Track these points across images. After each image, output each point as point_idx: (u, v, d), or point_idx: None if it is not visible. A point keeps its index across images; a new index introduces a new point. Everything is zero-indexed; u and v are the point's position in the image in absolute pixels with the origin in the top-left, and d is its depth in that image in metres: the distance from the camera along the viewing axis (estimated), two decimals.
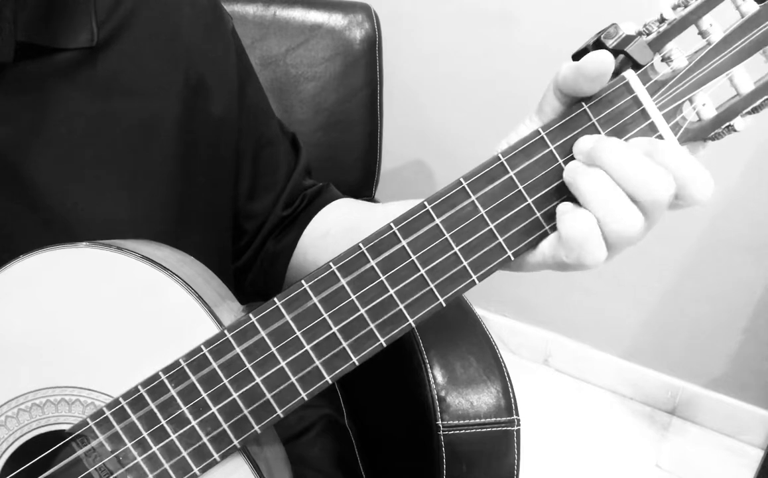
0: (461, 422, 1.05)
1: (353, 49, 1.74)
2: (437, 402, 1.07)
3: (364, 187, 1.83)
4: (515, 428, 1.06)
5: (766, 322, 2.30)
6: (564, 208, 0.62)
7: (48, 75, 0.83)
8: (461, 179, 0.64)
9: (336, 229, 1.01)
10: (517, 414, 1.07)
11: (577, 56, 0.64)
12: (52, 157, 0.83)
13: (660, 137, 0.63)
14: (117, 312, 0.71)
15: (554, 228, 0.65)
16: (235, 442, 0.71)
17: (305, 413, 1.37)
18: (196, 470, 0.71)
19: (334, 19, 1.74)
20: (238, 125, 1.00)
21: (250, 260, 1.09)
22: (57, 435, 0.73)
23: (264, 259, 1.09)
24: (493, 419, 1.06)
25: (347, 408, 1.48)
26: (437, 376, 1.09)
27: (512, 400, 1.08)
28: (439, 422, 1.05)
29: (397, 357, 1.21)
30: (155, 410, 0.70)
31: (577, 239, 0.60)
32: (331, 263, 0.66)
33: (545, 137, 0.63)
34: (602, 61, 0.59)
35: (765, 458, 2.13)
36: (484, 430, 1.05)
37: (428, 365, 1.11)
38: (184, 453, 0.71)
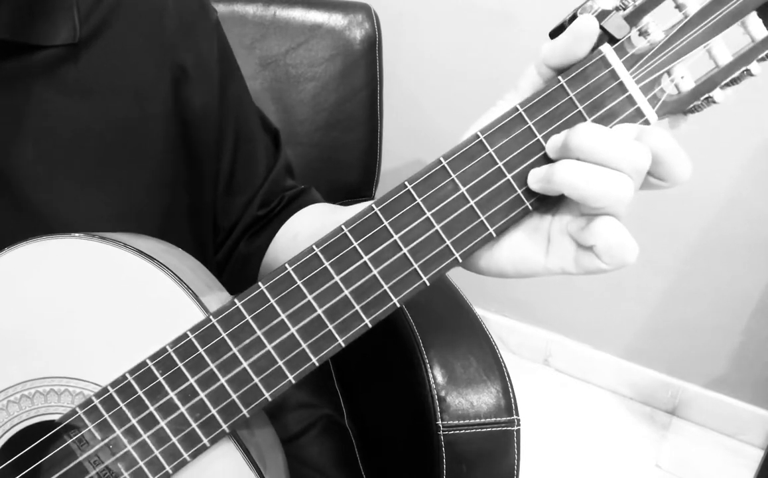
0: (461, 422, 1.05)
1: (353, 49, 1.75)
2: (437, 402, 1.06)
3: (364, 187, 1.84)
4: (515, 428, 1.06)
5: (766, 322, 2.30)
6: (585, 223, 0.62)
7: (30, 73, 0.83)
8: (441, 158, 0.65)
9: (305, 232, 1.01)
10: (517, 414, 1.07)
11: (554, 33, 0.64)
12: (36, 156, 0.84)
13: (638, 110, 0.63)
14: (104, 302, 0.71)
15: (535, 204, 0.65)
16: (224, 427, 0.71)
17: (305, 413, 1.37)
18: (186, 455, 0.72)
19: (334, 19, 1.75)
20: (218, 119, 1.00)
21: (224, 258, 1.09)
22: (48, 426, 0.73)
23: (237, 259, 1.08)
24: (493, 419, 1.06)
25: (347, 408, 1.48)
26: (437, 376, 1.09)
27: (512, 400, 1.08)
28: (439, 422, 1.05)
29: (397, 357, 1.21)
30: (143, 397, 0.70)
31: (618, 245, 0.60)
32: (314, 246, 0.66)
33: (523, 114, 0.64)
34: (589, 24, 0.61)
35: (765, 458, 2.12)
36: (484, 430, 1.05)
37: (428, 365, 1.10)
38: (174, 440, 0.71)
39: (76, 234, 0.70)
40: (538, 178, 0.63)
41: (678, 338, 2.49)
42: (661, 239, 2.32)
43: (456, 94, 2.49)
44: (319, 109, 1.74)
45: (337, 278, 0.67)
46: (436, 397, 1.07)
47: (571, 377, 2.76)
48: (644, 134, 0.60)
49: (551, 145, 0.63)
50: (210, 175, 1.01)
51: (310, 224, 1.01)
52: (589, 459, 2.42)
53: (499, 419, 1.06)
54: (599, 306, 2.60)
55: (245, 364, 0.69)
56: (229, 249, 1.08)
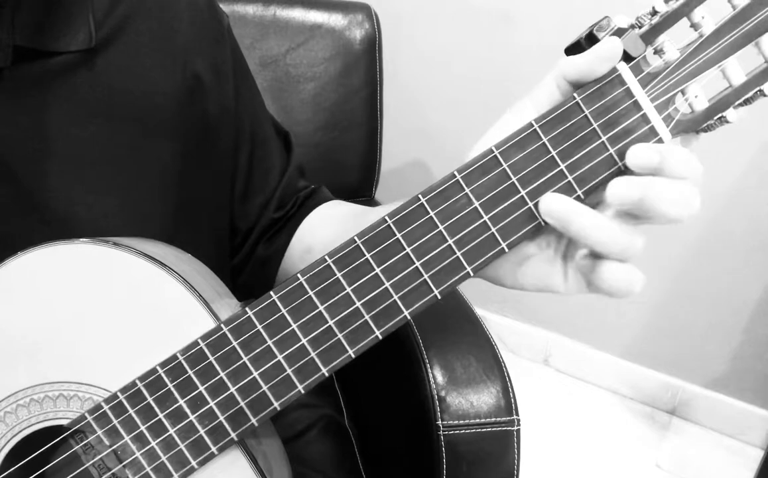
0: (461, 422, 1.05)
1: (353, 49, 1.75)
2: (437, 402, 1.07)
3: (364, 187, 1.84)
4: (515, 428, 1.07)
5: (766, 322, 2.30)
6: (595, 265, 0.64)
7: (46, 77, 0.83)
8: (455, 172, 0.65)
9: (318, 246, 1.02)
10: (517, 414, 1.07)
11: (569, 50, 0.64)
12: (51, 159, 0.83)
13: (652, 129, 0.63)
14: (115, 308, 0.71)
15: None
16: (233, 435, 0.71)
17: (305, 413, 1.37)
18: (194, 463, 0.72)
19: (334, 19, 1.75)
20: (234, 124, 1.00)
21: (242, 261, 1.09)
22: (56, 430, 0.73)
23: (256, 262, 1.08)
24: (493, 419, 1.06)
25: (347, 408, 1.48)
26: (437, 376, 1.09)
27: (512, 400, 1.08)
28: (439, 422, 1.05)
29: (397, 357, 1.21)
30: (153, 404, 0.70)
31: (624, 283, 0.63)
32: (326, 257, 0.66)
33: (538, 130, 0.64)
34: (615, 45, 0.62)
35: (765, 458, 2.12)
36: (484, 430, 1.06)
37: (428, 365, 1.11)
38: (182, 446, 0.71)
39: (87, 239, 0.71)
40: (554, 216, 0.64)
41: (678, 338, 2.49)
42: (662, 239, 2.32)
43: (456, 94, 2.49)
44: (319, 110, 1.74)
45: (348, 289, 0.67)
46: (436, 397, 1.07)
47: (571, 377, 2.76)
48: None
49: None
50: (226, 180, 1.02)
51: (324, 236, 1.02)
52: (589, 459, 2.42)
53: (499, 419, 1.06)
54: (599, 306, 2.61)
55: (255, 373, 0.69)
56: (247, 252, 1.08)
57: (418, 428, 1.12)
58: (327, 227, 1.04)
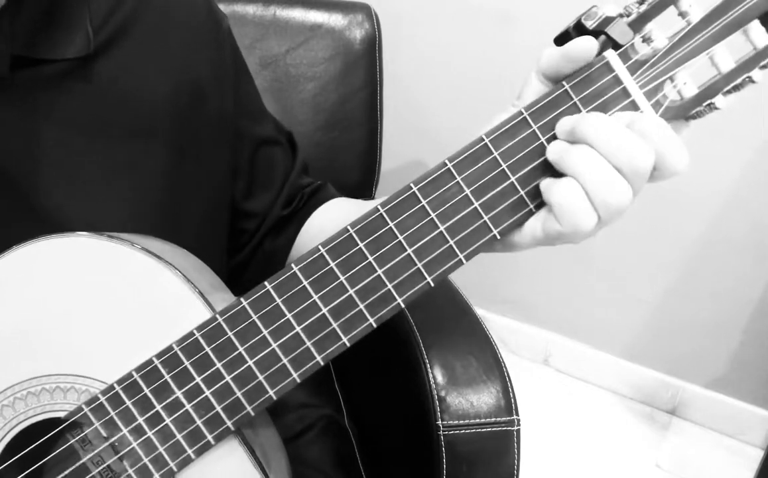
0: (461, 422, 1.05)
1: (353, 49, 1.75)
2: (437, 402, 1.06)
3: (364, 187, 1.83)
4: (515, 428, 1.06)
5: (766, 322, 2.30)
6: (549, 182, 0.64)
7: (43, 83, 0.83)
8: (446, 161, 0.66)
9: (329, 229, 1.02)
10: (517, 414, 1.07)
11: (559, 39, 0.65)
12: (48, 163, 0.84)
13: None
14: (111, 300, 0.71)
15: (539, 206, 0.66)
16: (229, 424, 0.71)
17: (305, 413, 1.37)
18: (190, 452, 0.72)
19: (334, 19, 1.74)
20: (234, 126, 1.01)
21: (248, 256, 1.10)
22: (54, 423, 0.74)
23: (261, 256, 1.09)
24: (493, 419, 1.06)
25: (347, 408, 1.48)
26: (437, 376, 1.09)
27: (512, 400, 1.08)
28: (439, 422, 1.05)
29: (397, 357, 1.21)
30: (149, 395, 0.71)
31: (569, 205, 0.62)
32: (320, 246, 0.67)
33: (528, 117, 0.64)
34: (587, 47, 0.63)
35: (765, 458, 2.12)
36: (484, 430, 1.05)
37: (428, 365, 1.11)
38: (179, 437, 0.72)
39: (83, 232, 0.71)
40: (555, 150, 0.65)
41: (678, 338, 2.49)
42: (662, 239, 2.32)
43: (456, 94, 2.49)
44: (319, 110, 1.74)
45: (342, 278, 0.67)
46: (436, 397, 1.07)
47: (571, 377, 2.75)
48: (637, 123, 0.62)
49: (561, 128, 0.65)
50: (227, 182, 1.03)
51: (333, 222, 1.03)
52: (589, 459, 2.42)
53: (499, 419, 1.06)
54: (599, 306, 2.60)
55: (250, 362, 0.70)
56: (253, 248, 1.09)
57: (418, 428, 1.12)
58: (334, 223, 1.04)
